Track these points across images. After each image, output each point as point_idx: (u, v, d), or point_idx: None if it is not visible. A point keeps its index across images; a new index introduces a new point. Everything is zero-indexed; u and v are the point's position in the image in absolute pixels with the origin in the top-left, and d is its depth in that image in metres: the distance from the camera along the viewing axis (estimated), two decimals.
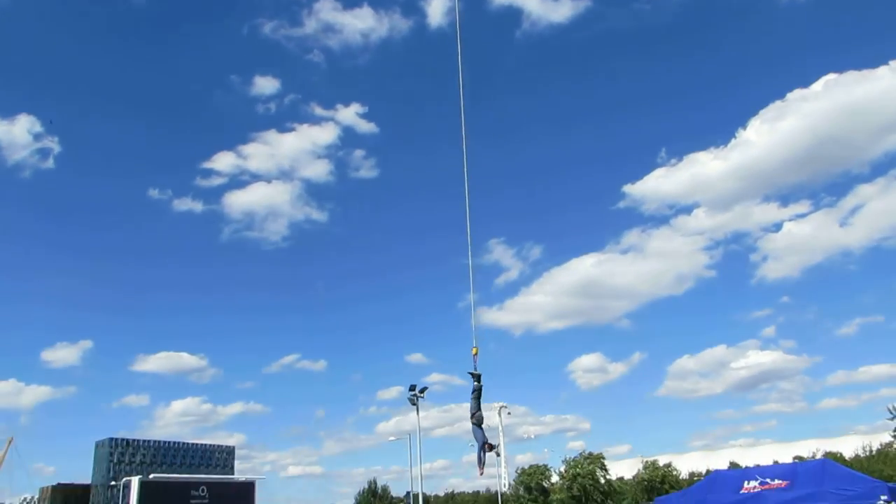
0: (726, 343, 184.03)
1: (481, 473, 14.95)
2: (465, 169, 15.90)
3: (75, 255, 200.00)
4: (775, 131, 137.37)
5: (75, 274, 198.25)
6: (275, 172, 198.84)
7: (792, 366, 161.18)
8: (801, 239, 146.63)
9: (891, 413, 59.81)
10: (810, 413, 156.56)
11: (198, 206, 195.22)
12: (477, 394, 15.04)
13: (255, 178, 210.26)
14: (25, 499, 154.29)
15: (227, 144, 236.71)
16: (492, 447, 14.54)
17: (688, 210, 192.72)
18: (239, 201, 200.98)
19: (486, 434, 14.87)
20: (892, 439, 63.05)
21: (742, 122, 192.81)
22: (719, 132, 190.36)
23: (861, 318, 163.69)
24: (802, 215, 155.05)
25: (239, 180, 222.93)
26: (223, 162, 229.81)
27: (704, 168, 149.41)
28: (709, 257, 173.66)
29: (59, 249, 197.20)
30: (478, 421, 14.89)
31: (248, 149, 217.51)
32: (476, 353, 15.35)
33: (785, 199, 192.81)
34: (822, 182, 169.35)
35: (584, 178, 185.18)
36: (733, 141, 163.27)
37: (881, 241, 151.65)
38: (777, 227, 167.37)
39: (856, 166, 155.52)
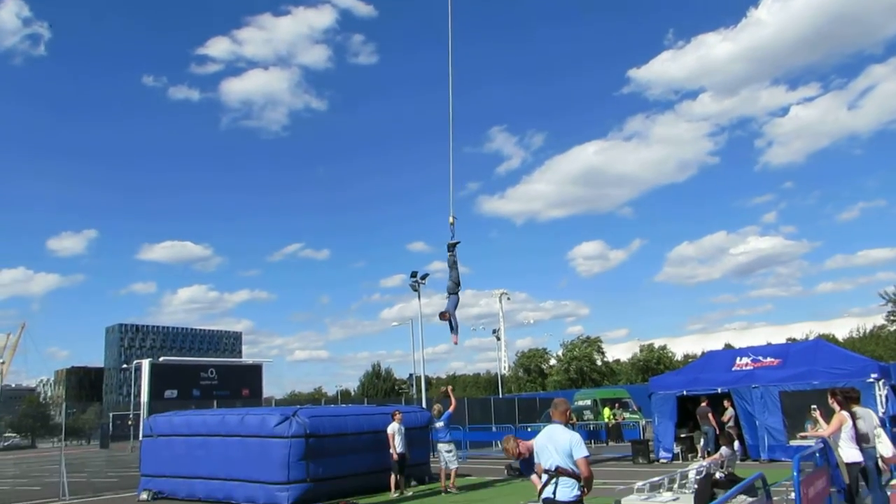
0: (727, 229, 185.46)
1: (455, 342, 15.12)
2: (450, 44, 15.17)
3: (73, 147, 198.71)
4: (788, 9, 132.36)
5: (76, 165, 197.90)
6: (272, 59, 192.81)
7: (791, 251, 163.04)
8: (808, 123, 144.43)
9: (883, 297, 60.95)
10: (806, 297, 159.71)
11: (194, 95, 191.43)
12: (454, 264, 14.89)
13: (252, 64, 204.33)
14: (42, 380, 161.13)
15: (221, 29, 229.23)
16: (446, 315, 14.53)
17: (693, 95, 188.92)
18: (236, 89, 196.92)
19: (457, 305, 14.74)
20: (885, 322, 64.48)
21: (754, 1, 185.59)
22: (730, 12, 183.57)
23: (864, 202, 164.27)
24: (811, 99, 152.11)
25: (235, 67, 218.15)
26: (218, 48, 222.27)
27: (712, 50, 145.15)
28: (713, 143, 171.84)
29: (57, 140, 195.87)
30: (455, 290, 14.77)
31: (243, 34, 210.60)
32: (453, 223, 15.15)
33: (794, 82, 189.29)
34: (834, 63, 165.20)
35: (588, 63, 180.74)
36: (744, 21, 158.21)
37: (889, 123, 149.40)
38: (784, 111, 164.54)
39: (869, 46, 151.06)
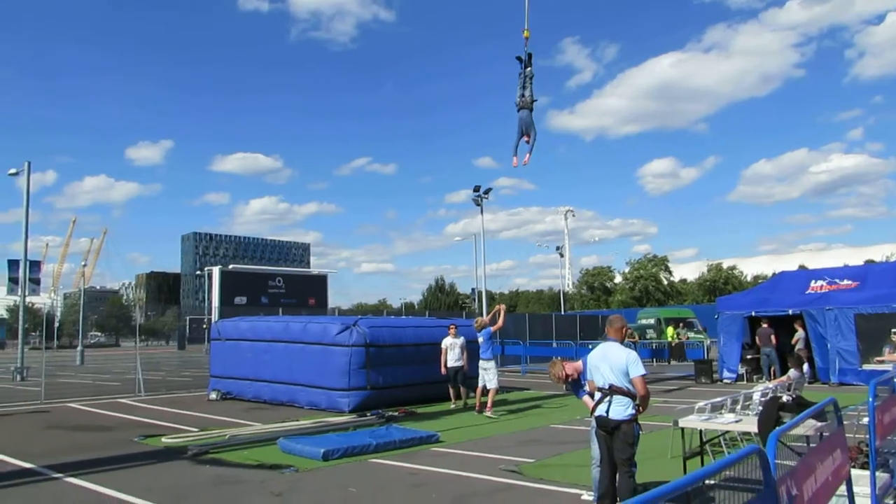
0: (809, 146, 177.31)
1: (525, 163, 14.00)
2: None
3: (150, 56, 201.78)
4: None
5: (152, 76, 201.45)
6: None
7: (876, 169, 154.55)
8: None
9: None
10: (889, 218, 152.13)
11: (264, 6, 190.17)
12: (530, 78, 13.94)
13: None
14: (124, 284, 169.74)
15: None
16: (529, 137, 13.61)
17: (780, 2, 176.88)
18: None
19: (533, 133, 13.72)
20: None
21: None
22: None
23: None
24: None
25: None
26: None
27: None
28: (799, 55, 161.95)
29: (135, 52, 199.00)
30: (529, 105, 13.76)
31: None
32: (528, 36, 14.23)
33: None
34: None
35: None
36: None
37: None
38: (880, 18, 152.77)
39: None
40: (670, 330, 33.31)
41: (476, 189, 32.99)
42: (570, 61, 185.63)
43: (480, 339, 14.59)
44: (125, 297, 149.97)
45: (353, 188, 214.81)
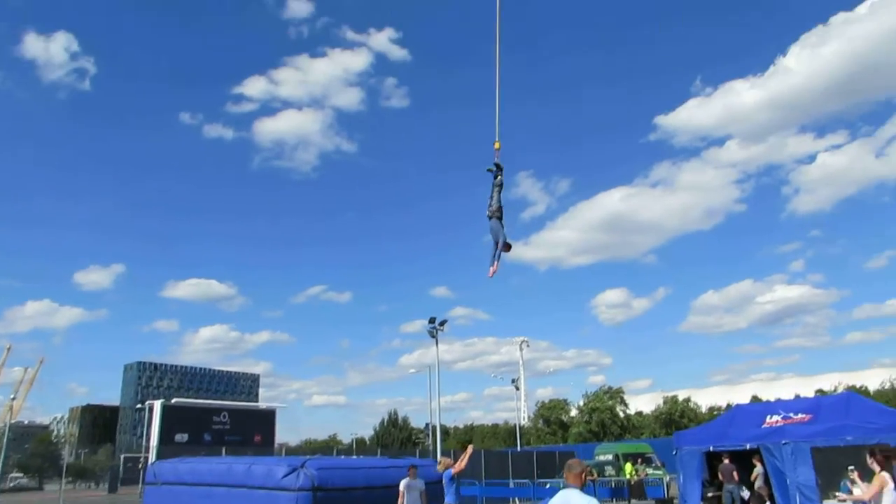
0: (753, 277, 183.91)
1: (491, 274, 13.76)
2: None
3: (109, 179, 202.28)
4: (816, 58, 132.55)
5: (109, 198, 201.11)
6: (306, 100, 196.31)
7: (819, 300, 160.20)
8: (836, 171, 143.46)
9: None
10: (834, 347, 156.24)
11: (228, 133, 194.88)
12: (499, 187, 13.98)
13: (286, 105, 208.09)
14: (55, 418, 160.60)
15: (259, 68, 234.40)
16: (509, 247, 13.51)
17: (720, 142, 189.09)
18: (269, 129, 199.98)
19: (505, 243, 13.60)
20: None
21: (782, 49, 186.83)
22: (758, 59, 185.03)
23: (891, 250, 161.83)
24: (838, 146, 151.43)
25: (270, 107, 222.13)
26: (254, 87, 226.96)
27: (740, 97, 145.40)
28: (740, 191, 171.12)
29: (93, 173, 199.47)
30: (498, 214, 13.74)
31: (280, 74, 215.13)
32: (498, 148, 14.37)
33: (821, 130, 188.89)
34: (861, 111, 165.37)
35: (615, 109, 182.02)
36: (772, 69, 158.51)
37: None
38: (811, 158, 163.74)
39: None
40: (629, 466, 32.56)
41: (431, 320, 32.86)
42: (525, 194, 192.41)
43: (444, 481, 13.89)
44: (55, 434, 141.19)
45: (308, 317, 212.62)
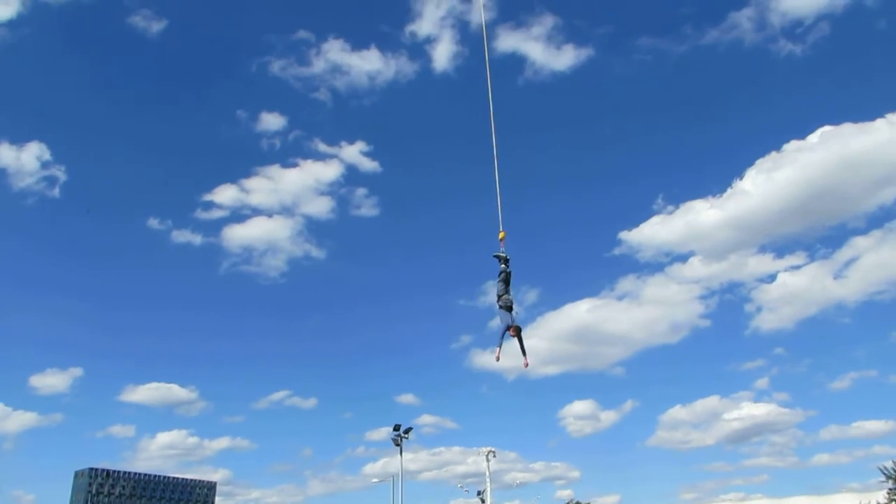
0: (720, 394, 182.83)
1: (498, 358, 13.80)
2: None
3: (72, 284, 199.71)
4: (771, 181, 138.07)
5: (70, 301, 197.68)
6: (276, 207, 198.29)
7: (785, 419, 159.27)
8: (796, 290, 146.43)
9: (883, 473, 58.91)
10: (802, 468, 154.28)
11: (197, 239, 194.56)
12: (505, 276, 14.03)
13: (257, 212, 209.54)
14: None
15: (230, 177, 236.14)
16: (518, 331, 13.56)
17: (683, 258, 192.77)
18: (238, 235, 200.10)
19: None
20: (885, 500, 61.90)
21: (739, 172, 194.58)
22: (716, 181, 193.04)
23: (855, 372, 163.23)
24: (797, 267, 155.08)
25: (240, 214, 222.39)
26: (225, 195, 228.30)
27: (700, 216, 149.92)
28: (704, 306, 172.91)
29: (56, 278, 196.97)
30: (505, 304, 13.81)
31: (251, 183, 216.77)
32: (503, 237, 14.52)
33: (780, 251, 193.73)
34: (818, 234, 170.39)
35: (581, 224, 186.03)
36: (729, 190, 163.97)
37: (875, 294, 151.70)
38: (772, 277, 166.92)
39: (851, 219, 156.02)
40: None
41: (396, 428, 32.26)
42: (494, 303, 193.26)
43: None
44: None
45: (270, 423, 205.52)
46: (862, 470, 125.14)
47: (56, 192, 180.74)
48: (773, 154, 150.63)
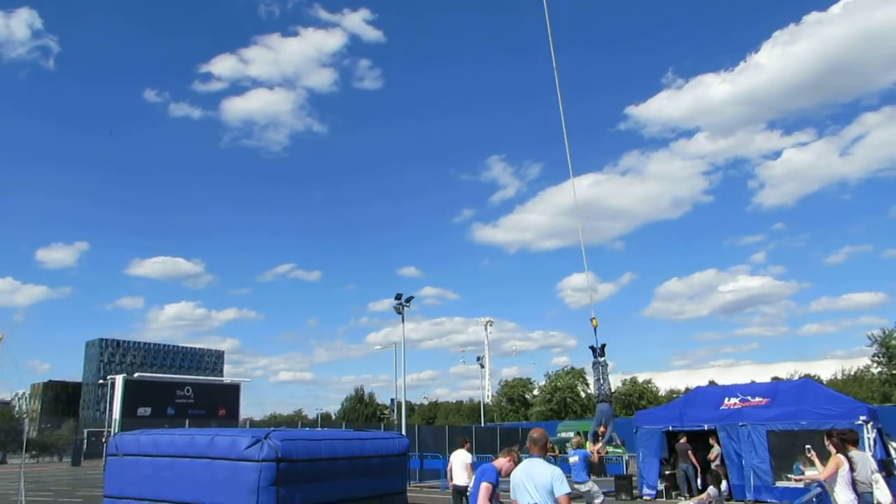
0: (717, 267, 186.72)
1: (593, 453, 13.82)
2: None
3: (73, 158, 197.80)
4: (787, 55, 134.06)
5: (72, 175, 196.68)
6: (277, 79, 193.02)
7: (778, 291, 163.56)
8: (800, 167, 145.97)
9: (870, 339, 60.82)
10: (791, 337, 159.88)
11: (195, 113, 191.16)
12: (603, 368, 13.97)
13: (256, 84, 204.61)
14: (17, 394, 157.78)
15: (228, 47, 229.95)
16: (606, 428, 13.68)
17: (689, 134, 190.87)
18: (238, 108, 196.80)
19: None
20: (869, 363, 64.35)
21: (755, 45, 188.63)
22: (729, 54, 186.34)
23: (850, 246, 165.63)
24: (804, 143, 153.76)
25: (239, 86, 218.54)
26: (223, 66, 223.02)
27: (709, 91, 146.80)
28: (707, 182, 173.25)
29: (57, 152, 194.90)
30: (608, 398, 13.83)
31: (250, 53, 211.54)
32: (596, 325, 14.25)
33: (789, 127, 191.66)
34: (829, 111, 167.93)
35: (588, 98, 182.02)
36: (742, 64, 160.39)
37: (878, 171, 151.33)
38: (777, 154, 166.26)
39: (865, 96, 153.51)
40: (589, 444, 33.11)
41: (398, 297, 32.87)
42: (496, 177, 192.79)
43: (575, 459, 13.68)
44: (17, 409, 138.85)
45: (276, 295, 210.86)
46: (848, 339, 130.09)
47: (50, 63, 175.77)
48: (792, 26, 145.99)
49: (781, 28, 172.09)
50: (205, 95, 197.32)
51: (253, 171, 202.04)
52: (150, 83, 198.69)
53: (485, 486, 6.23)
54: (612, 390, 14.11)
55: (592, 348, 14.31)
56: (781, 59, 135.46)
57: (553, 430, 36.91)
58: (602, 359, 13.95)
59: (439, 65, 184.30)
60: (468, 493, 13.66)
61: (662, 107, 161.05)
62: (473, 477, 13.48)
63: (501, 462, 6.50)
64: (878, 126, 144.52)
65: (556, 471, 5.65)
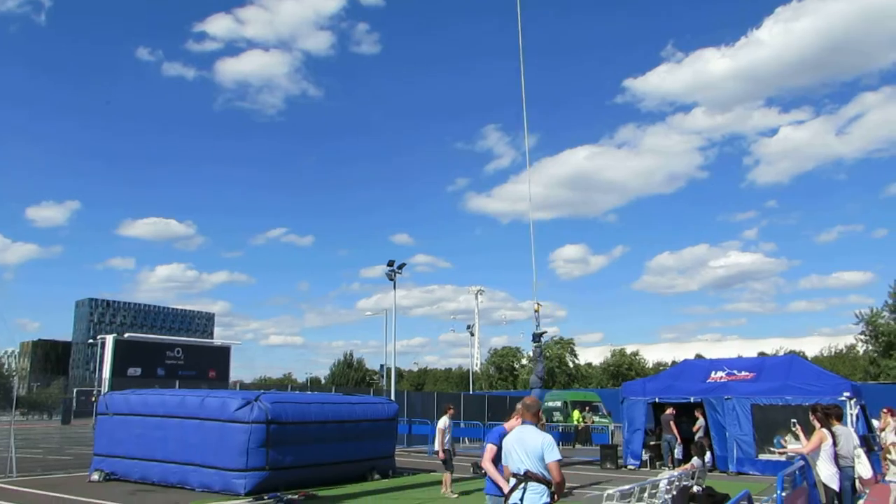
0: (709, 242, 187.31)
1: None
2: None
3: (64, 114, 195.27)
4: (789, 32, 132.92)
5: (63, 133, 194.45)
6: (273, 41, 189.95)
7: (769, 267, 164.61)
8: (796, 145, 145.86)
9: (857, 318, 61.37)
10: (779, 314, 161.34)
11: (189, 73, 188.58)
12: (540, 356, 14.14)
13: (252, 45, 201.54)
14: (6, 352, 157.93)
15: (223, 6, 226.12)
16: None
17: (687, 108, 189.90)
18: (232, 69, 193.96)
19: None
20: (854, 342, 65.10)
21: (756, 21, 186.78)
22: (731, 29, 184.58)
23: (842, 225, 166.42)
24: (801, 122, 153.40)
25: (234, 47, 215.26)
26: (218, 25, 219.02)
27: (709, 66, 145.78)
28: (703, 157, 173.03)
29: (48, 108, 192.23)
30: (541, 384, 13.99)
31: (246, 13, 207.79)
32: (538, 310, 14.40)
33: (787, 105, 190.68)
34: (828, 89, 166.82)
35: (586, 70, 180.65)
36: (743, 39, 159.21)
37: (873, 152, 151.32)
38: (773, 131, 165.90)
39: (865, 75, 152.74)
40: (576, 413, 33.52)
41: (390, 263, 32.82)
42: (491, 147, 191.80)
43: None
44: (6, 367, 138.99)
45: (267, 259, 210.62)
46: (835, 317, 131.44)
47: (42, 17, 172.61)
48: (794, 3, 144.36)
49: (784, 4, 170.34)
50: (199, 55, 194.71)
51: (247, 134, 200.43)
52: (143, 41, 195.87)
53: (489, 447, 6.34)
54: (544, 377, 14.38)
55: (535, 335, 14.50)
56: (783, 35, 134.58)
57: (540, 398, 37.25)
58: (538, 345, 14.20)
59: (438, 32, 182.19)
60: (442, 459, 13.89)
61: (661, 80, 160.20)
62: (445, 440, 13.76)
63: (512, 424, 6.59)
64: (877, 106, 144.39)
65: (548, 438, 5.70)
